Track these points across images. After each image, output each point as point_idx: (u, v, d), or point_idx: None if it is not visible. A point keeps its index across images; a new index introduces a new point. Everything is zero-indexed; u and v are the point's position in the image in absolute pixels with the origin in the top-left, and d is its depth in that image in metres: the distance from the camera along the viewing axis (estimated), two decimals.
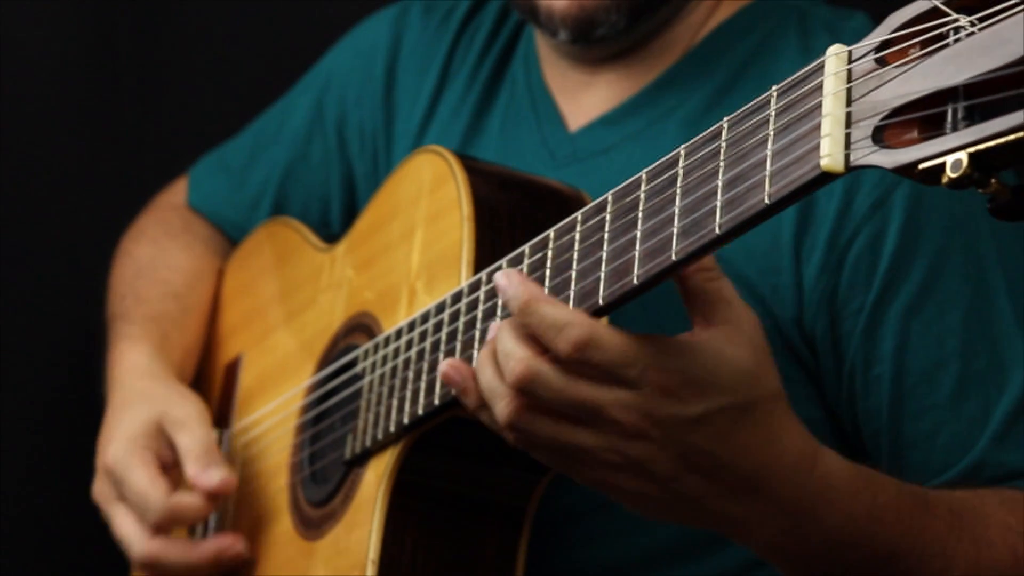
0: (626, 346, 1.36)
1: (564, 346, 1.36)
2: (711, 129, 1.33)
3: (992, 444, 1.65)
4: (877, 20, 1.84)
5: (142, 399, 1.94)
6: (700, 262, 1.36)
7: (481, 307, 1.58)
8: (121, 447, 1.88)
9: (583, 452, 1.40)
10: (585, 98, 1.94)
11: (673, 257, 1.33)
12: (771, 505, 1.42)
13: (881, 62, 1.20)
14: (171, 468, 1.89)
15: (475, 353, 1.57)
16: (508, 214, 1.72)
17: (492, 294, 1.56)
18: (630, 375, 1.36)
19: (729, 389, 1.37)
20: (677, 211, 1.34)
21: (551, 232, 1.49)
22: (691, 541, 1.78)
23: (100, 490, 1.92)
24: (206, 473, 1.84)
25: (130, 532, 1.86)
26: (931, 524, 1.52)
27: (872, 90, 1.19)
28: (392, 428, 1.69)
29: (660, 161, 1.38)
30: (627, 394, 1.37)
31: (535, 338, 1.40)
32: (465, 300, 1.61)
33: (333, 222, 2.17)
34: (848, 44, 1.80)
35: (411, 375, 1.67)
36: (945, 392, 1.67)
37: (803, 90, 1.25)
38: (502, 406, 1.42)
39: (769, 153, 1.26)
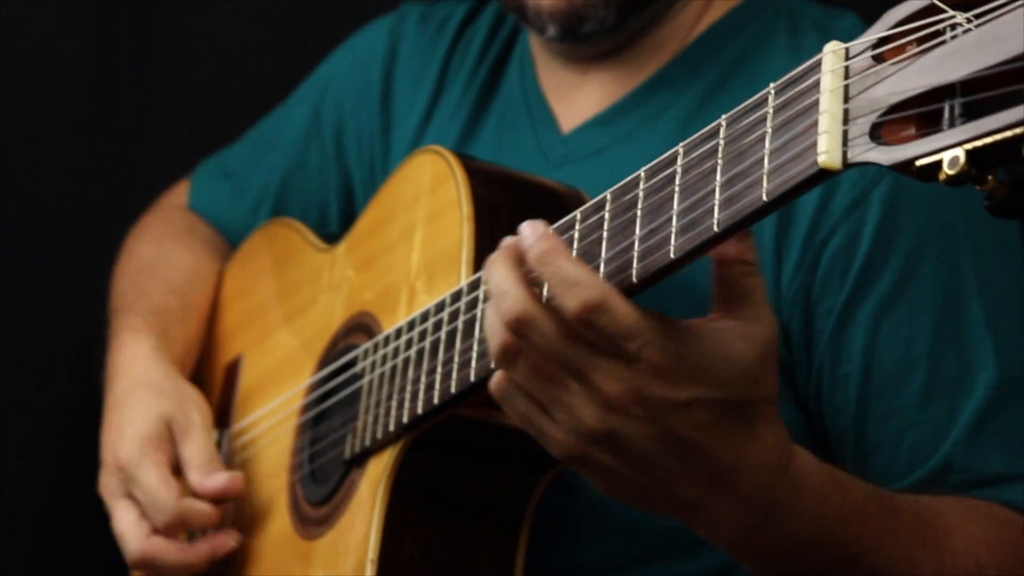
0: (633, 319, 1.32)
1: (573, 303, 1.32)
2: (709, 127, 1.33)
3: (957, 448, 1.64)
4: (869, 21, 1.85)
5: (150, 392, 1.95)
6: (742, 254, 1.33)
7: (481, 306, 1.58)
8: (134, 445, 1.89)
9: (560, 407, 1.37)
10: (577, 99, 1.94)
11: (671, 255, 1.33)
12: (740, 500, 1.39)
13: (878, 59, 1.20)
14: (179, 471, 1.90)
15: (474, 352, 1.57)
16: (507, 214, 1.72)
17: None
18: (629, 348, 1.33)
19: (724, 383, 1.34)
20: (675, 209, 1.34)
21: None
22: (683, 538, 1.78)
23: (107, 484, 1.92)
24: (209, 478, 1.86)
25: (129, 528, 1.87)
26: (898, 529, 1.50)
27: (869, 87, 1.19)
28: (392, 427, 1.69)
29: (658, 159, 1.38)
30: (619, 366, 1.34)
31: (533, 285, 1.37)
32: (465, 299, 1.61)
33: (330, 228, 2.17)
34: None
35: (411, 375, 1.67)
36: (912, 394, 1.66)
37: (800, 87, 1.25)
38: (494, 341, 1.38)
39: (767, 151, 1.26)
